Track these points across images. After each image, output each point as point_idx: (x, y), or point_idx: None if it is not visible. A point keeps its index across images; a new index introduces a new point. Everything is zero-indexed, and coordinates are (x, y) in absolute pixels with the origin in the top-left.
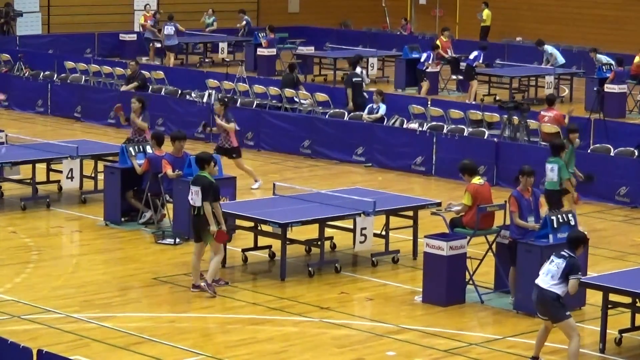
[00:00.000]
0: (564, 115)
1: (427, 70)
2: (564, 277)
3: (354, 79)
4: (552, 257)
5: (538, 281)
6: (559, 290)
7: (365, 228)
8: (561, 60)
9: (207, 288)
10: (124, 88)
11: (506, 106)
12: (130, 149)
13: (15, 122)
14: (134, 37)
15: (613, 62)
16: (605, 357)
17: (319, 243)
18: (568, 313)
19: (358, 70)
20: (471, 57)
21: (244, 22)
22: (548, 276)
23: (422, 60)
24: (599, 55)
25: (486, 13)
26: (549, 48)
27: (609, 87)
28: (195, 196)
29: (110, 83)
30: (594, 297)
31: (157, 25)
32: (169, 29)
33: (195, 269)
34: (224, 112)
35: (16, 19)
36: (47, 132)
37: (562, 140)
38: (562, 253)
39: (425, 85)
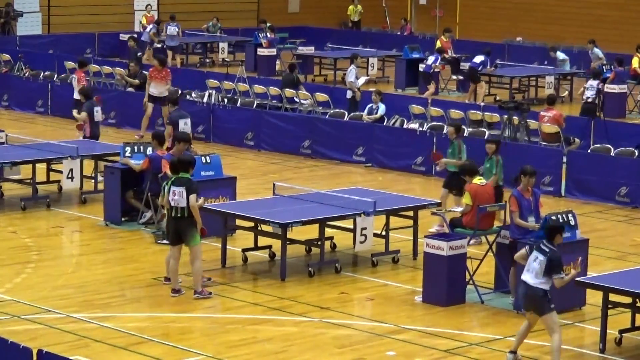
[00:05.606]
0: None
1: (433, 71)
2: (548, 274)
3: (138, 54)
4: (534, 253)
5: (524, 277)
6: (545, 286)
7: (365, 228)
8: (568, 68)
9: (202, 295)
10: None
11: (506, 106)
12: (127, 150)
13: (15, 122)
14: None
15: (604, 58)
16: (605, 357)
17: (319, 243)
18: (553, 306)
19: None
20: (476, 60)
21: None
22: (533, 273)
23: (429, 63)
24: (595, 49)
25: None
26: (560, 55)
27: (609, 87)
28: (179, 197)
29: (110, 83)
30: (594, 297)
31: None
32: (172, 30)
33: (175, 273)
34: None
35: (16, 19)
36: (47, 132)
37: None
38: (542, 247)
39: (431, 87)
